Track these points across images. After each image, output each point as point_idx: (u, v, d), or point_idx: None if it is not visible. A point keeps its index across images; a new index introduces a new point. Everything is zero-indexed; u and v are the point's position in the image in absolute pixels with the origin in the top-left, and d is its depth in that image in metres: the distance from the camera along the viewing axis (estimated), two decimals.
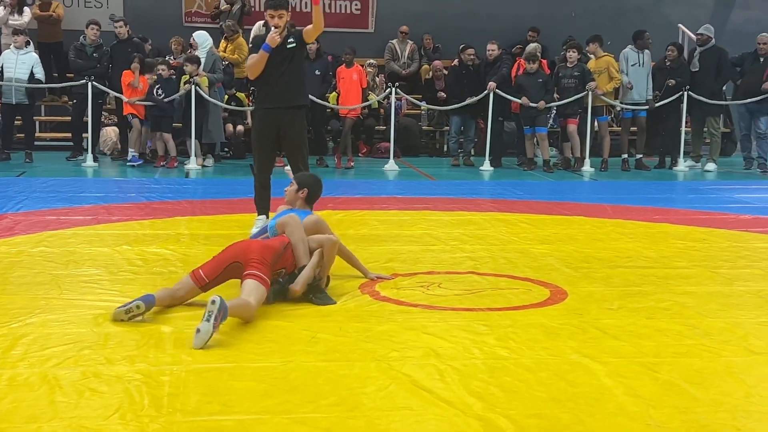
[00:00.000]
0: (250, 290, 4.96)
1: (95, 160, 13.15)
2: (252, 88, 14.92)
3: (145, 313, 4.86)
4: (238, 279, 5.15)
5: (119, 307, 4.88)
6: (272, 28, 7.12)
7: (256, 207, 7.64)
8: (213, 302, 4.47)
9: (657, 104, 13.82)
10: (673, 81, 13.82)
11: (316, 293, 5.39)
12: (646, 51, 13.87)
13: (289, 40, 7.19)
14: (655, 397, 3.87)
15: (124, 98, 13.00)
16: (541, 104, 13.24)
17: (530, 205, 9.80)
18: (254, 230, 6.94)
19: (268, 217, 7.19)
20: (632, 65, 13.79)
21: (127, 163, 13.16)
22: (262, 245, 5.33)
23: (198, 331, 4.40)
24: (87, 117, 13.18)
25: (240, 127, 14.58)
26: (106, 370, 4.05)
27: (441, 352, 4.42)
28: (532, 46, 14.66)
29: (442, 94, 14.67)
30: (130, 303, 4.88)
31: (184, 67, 13.02)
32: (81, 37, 13.66)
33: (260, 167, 7.52)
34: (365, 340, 4.63)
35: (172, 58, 14.12)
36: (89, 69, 13.31)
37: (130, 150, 13.22)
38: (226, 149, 14.46)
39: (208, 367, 4.15)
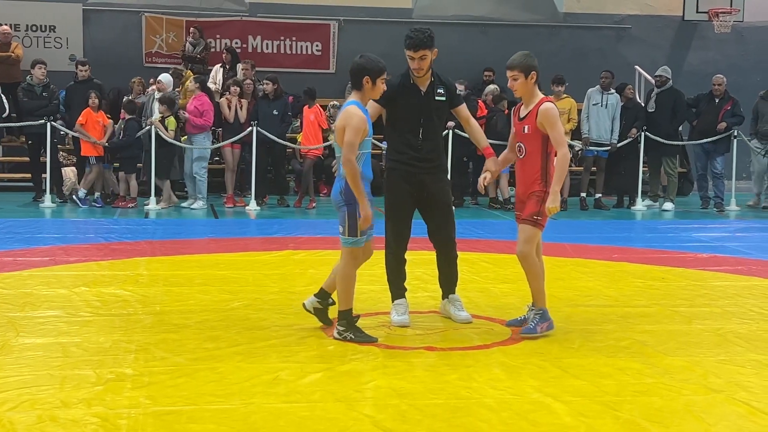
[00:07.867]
0: None
1: (56, 200, 13.01)
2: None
3: None
4: None
5: None
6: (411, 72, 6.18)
7: (390, 289, 6.09)
8: None
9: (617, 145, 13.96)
10: (634, 130, 13.93)
11: (356, 332, 5.42)
12: (613, 92, 13.95)
13: (438, 91, 6.08)
14: None
15: (92, 138, 12.85)
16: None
17: (491, 244, 9.83)
18: (395, 317, 5.91)
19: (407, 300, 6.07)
20: (594, 104, 13.93)
21: (76, 198, 13.04)
22: None
23: None
24: (45, 157, 13.07)
25: None
26: (62, 414, 3.98)
27: (403, 392, 4.40)
28: (490, 87, 14.76)
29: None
30: None
31: (156, 107, 12.98)
32: (28, 77, 13.60)
33: (397, 238, 6.01)
34: (327, 380, 4.60)
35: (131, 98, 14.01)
36: (40, 109, 13.21)
37: (81, 189, 13.05)
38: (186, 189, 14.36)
39: (166, 410, 4.09)
